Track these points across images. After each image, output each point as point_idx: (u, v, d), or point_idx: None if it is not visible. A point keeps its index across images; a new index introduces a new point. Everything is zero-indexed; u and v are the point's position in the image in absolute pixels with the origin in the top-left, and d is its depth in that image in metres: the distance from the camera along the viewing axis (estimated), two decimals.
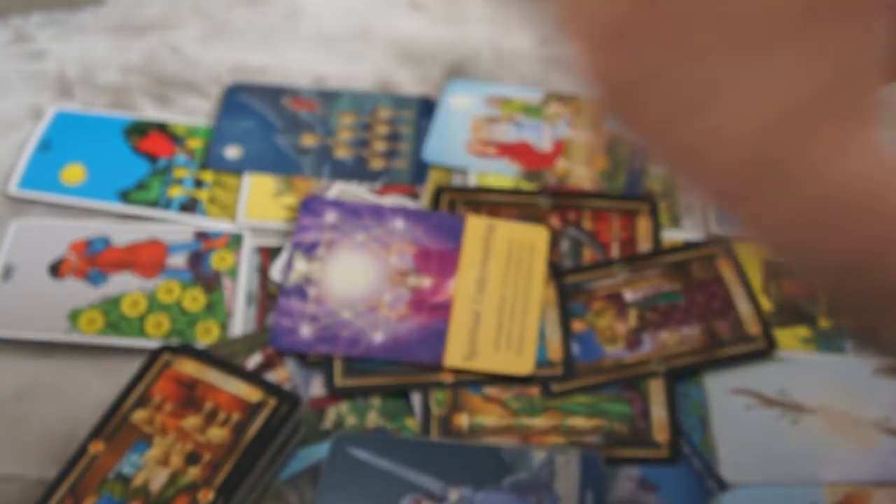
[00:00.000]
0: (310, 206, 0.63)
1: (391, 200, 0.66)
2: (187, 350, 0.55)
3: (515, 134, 0.70)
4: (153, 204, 0.66)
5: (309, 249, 0.61)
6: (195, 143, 0.69)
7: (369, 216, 0.63)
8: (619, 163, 0.68)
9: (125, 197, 0.66)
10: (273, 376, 0.57)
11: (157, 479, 0.51)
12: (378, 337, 0.58)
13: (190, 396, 0.53)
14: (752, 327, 0.59)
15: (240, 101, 0.71)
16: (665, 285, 0.61)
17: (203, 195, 0.66)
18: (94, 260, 0.62)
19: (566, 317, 0.60)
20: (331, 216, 0.63)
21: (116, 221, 0.65)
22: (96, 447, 0.52)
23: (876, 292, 0.31)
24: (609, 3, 0.30)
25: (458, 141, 0.69)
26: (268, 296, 0.61)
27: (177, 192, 0.66)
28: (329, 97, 0.72)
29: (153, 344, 0.58)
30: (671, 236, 0.64)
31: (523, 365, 0.57)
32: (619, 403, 0.57)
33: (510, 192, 0.66)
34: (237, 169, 0.67)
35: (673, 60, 0.30)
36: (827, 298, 0.33)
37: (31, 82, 0.73)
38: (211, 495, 0.50)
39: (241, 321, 0.60)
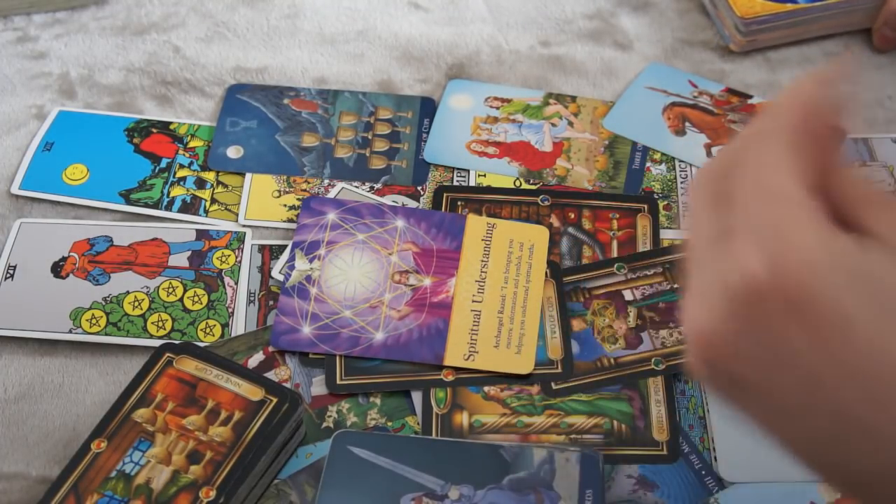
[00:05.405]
0: (311, 206, 0.63)
1: (392, 200, 0.66)
2: (189, 349, 0.55)
3: (515, 134, 0.70)
4: (155, 203, 0.66)
5: (310, 249, 0.61)
6: (197, 143, 0.69)
7: (370, 216, 0.63)
8: (619, 163, 0.68)
9: (127, 196, 0.66)
10: (274, 375, 0.57)
11: (159, 478, 0.51)
12: (379, 336, 0.58)
13: (191, 395, 0.54)
14: None
15: (241, 101, 0.72)
16: (664, 284, 0.61)
17: (205, 195, 0.66)
18: (96, 259, 0.62)
19: (566, 316, 0.60)
20: (332, 216, 0.63)
21: (119, 221, 0.65)
22: (98, 445, 0.52)
23: None
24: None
25: (458, 141, 0.69)
26: (269, 295, 0.61)
27: (178, 192, 0.66)
28: (330, 97, 0.72)
29: (155, 343, 0.58)
30: (670, 236, 0.65)
31: (523, 364, 0.57)
32: (619, 402, 0.57)
33: (510, 191, 0.66)
34: (238, 169, 0.68)
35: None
36: None
37: (34, 82, 0.73)
38: (212, 493, 0.50)
39: (242, 320, 0.60)
